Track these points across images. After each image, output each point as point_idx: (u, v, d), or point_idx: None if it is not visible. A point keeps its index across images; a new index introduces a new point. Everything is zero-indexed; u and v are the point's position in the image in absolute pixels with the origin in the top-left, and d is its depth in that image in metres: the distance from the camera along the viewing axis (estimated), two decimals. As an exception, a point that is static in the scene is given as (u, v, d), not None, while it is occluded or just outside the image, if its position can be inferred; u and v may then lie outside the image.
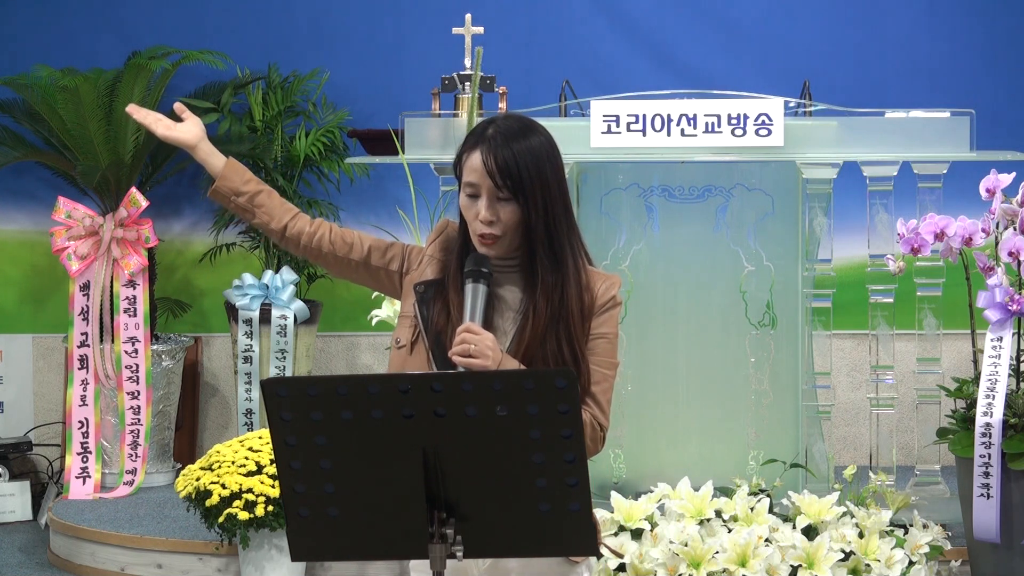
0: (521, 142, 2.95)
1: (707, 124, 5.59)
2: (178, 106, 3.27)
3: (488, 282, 2.97)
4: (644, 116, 5.59)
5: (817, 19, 7.00)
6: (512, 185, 2.94)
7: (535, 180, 2.94)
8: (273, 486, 5.24)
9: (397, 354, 3.06)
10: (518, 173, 2.93)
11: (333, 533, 2.61)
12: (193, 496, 5.36)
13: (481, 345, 2.88)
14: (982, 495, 5.04)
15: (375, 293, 5.78)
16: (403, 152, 5.77)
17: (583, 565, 3.03)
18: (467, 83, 5.92)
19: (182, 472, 5.55)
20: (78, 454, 6.53)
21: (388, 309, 5.67)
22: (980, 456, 5.04)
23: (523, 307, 3.00)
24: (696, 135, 5.60)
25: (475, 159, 2.97)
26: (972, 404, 5.19)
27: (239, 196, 3.18)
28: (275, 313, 6.51)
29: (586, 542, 2.61)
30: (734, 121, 5.57)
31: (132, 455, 6.54)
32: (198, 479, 5.36)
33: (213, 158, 3.20)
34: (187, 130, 3.21)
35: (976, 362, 5.34)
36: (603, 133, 5.60)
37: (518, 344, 2.97)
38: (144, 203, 6.47)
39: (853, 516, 5.17)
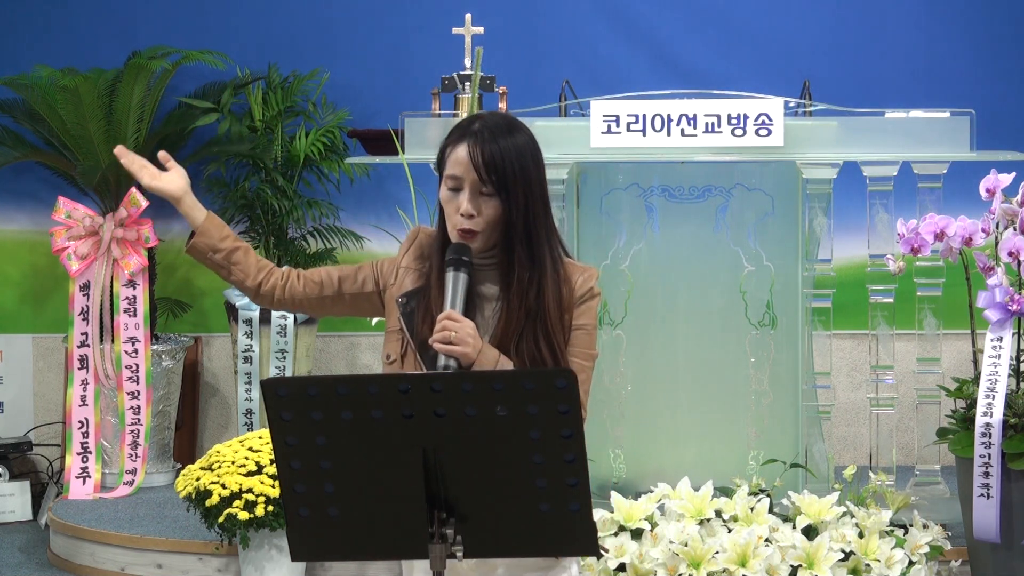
0: (507, 139, 2.97)
1: (707, 124, 5.59)
2: (162, 155, 3.25)
3: (469, 271, 2.97)
4: (644, 116, 5.59)
5: (817, 19, 6.99)
6: (497, 180, 2.95)
7: (519, 177, 2.95)
8: (273, 486, 5.24)
9: (389, 369, 3.06)
10: (503, 168, 2.95)
11: (333, 533, 2.61)
12: (193, 496, 5.36)
13: (462, 332, 2.89)
14: (982, 495, 5.04)
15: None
16: (403, 152, 5.76)
17: (570, 559, 3.02)
18: (467, 83, 5.91)
19: (182, 472, 5.54)
20: (78, 454, 6.53)
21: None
22: (980, 456, 5.04)
23: (500, 303, 3.01)
24: (696, 135, 5.60)
25: (461, 152, 2.98)
26: (972, 404, 5.19)
27: (216, 253, 3.17)
28: (275, 313, 6.51)
29: (586, 542, 2.61)
30: (734, 121, 5.57)
31: (132, 455, 6.54)
32: (198, 479, 5.36)
33: (195, 211, 3.19)
34: (171, 181, 3.19)
35: (976, 362, 5.34)
36: (603, 133, 5.59)
37: (495, 340, 2.97)
38: (144, 203, 6.46)
39: (853, 516, 5.17)
